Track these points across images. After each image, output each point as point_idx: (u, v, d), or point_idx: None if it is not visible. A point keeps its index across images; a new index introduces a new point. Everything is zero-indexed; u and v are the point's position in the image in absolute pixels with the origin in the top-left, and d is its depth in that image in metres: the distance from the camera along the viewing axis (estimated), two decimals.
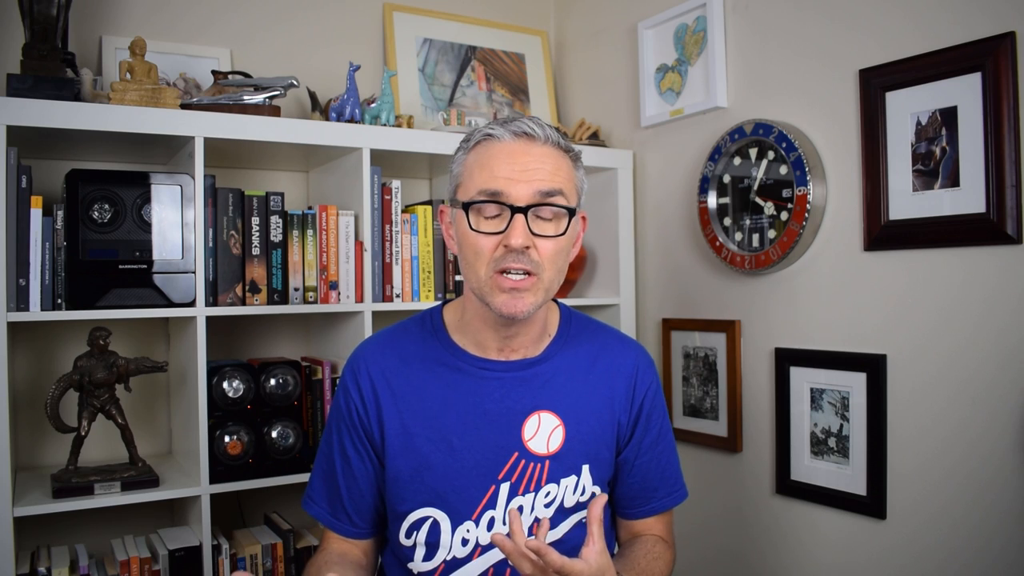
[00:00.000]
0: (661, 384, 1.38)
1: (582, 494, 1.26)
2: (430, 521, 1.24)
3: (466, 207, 1.18)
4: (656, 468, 1.32)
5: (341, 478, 1.29)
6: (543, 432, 1.25)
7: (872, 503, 1.70)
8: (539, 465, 1.25)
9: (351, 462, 1.29)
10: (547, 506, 1.25)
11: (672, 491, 1.35)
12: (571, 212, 1.19)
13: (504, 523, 1.23)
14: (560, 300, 1.40)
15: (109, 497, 1.65)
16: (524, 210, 1.15)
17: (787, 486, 1.88)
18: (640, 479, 1.32)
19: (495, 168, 1.17)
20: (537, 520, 1.24)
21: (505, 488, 1.24)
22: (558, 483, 1.25)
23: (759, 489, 1.97)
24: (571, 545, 1.26)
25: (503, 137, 1.19)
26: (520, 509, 1.24)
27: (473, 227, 1.17)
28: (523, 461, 1.24)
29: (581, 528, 1.27)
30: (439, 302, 1.39)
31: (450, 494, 1.23)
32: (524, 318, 1.18)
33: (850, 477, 1.74)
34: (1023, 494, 1.47)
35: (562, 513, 1.26)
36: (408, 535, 1.26)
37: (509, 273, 1.15)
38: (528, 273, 1.16)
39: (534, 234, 1.16)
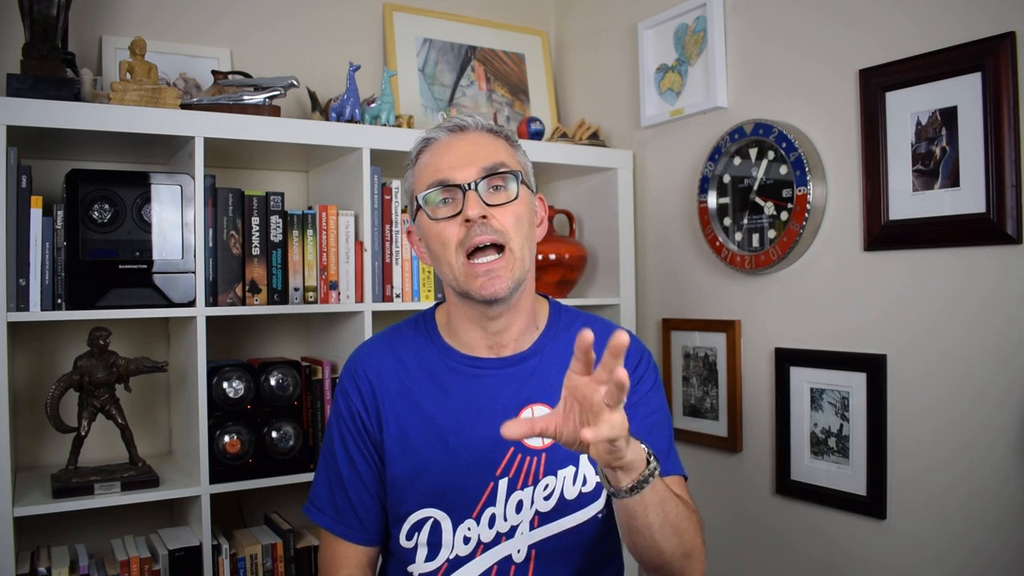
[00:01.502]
0: (657, 368, 1.37)
1: (583, 484, 1.26)
2: (431, 521, 1.24)
3: (420, 202, 1.23)
4: (641, 432, 1.21)
5: (349, 484, 1.28)
6: None
7: (872, 503, 1.70)
8: (536, 458, 1.25)
9: (358, 466, 1.28)
10: (547, 499, 1.25)
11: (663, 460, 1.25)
12: (516, 175, 1.23)
13: (505, 519, 1.24)
14: (556, 299, 1.40)
15: (109, 497, 1.65)
16: (473, 186, 1.19)
17: (787, 486, 1.88)
18: None
19: (438, 163, 1.23)
20: (538, 513, 1.24)
21: (504, 484, 1.24)
22: (556, 475, 1.25)
23: (759, 489, 1.97)
24: (576, 540, 1.26)
25: (439, 136, 1.26)
26: (520, 504, 1.24)
27: (431, 217, 1.21)
28: (520, 455, 1.25)
29: (593, 522, 1.27)
30: (434, 303, 1.40)
31: (449, 493, 1.24)
32: (505, 296, 1.20)
33: (850, 477, 1.74)
34: (1022, 493, 1.47)
35: (565, 506, 1.26)
36: (409, 536, 1.26)
37: (478, 256, 1.18)
38: (496, 247, 1.19)
39: (489, 205, 1.19)
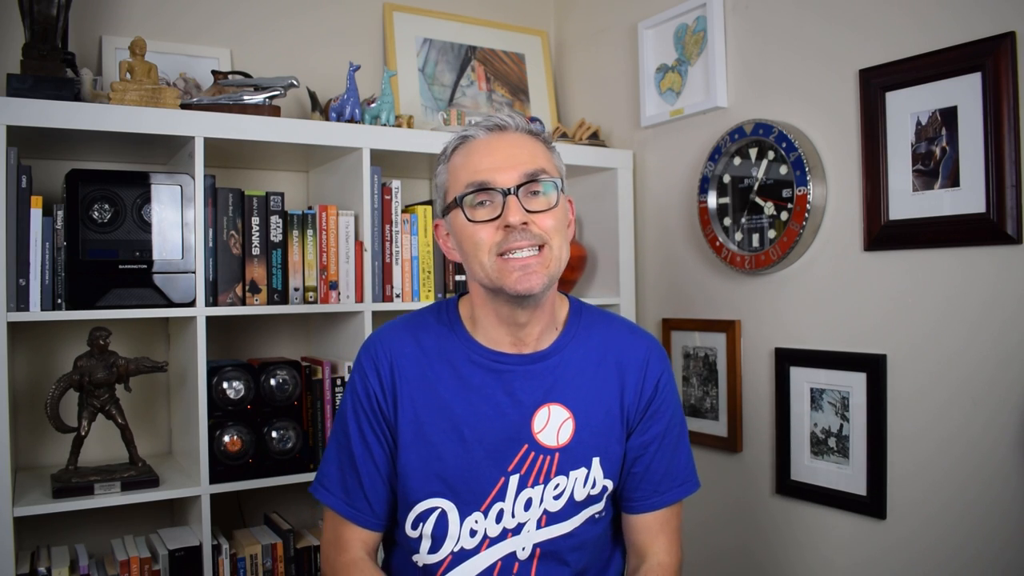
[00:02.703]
0: (673, 375, 1.38)
1: (592, 487, 1.27)
2: (438, 512, 1.24)
3: (459, 201, 1.21)
4: (662, 460, 1.31)
5: (361, 466, 1.27)
6: (553, 425, 1.26)
7: (872, 503, 1.70)
8: (549, 457, 1.25)
9: (371, 448, 1.27)
10: (556, 498, 1.25)
11: (678, 484, 1.32)
12: (556, 183, 1.22)
13: (513, 515, 1.24)
14: (577, 298, 1.40)
15: (109, 497, 1.65)
16: (514, 191, 1.18)
17: (787, 486, 1.88)
18: (644, 470, 1.30)
19: (477, 163, 1.21)
20: (547, 512, 1.25)
21: (515, 480, 1.24)
22: (567, 475, 1.26)
23: (759, 489, 1.97)
24: (581, 539, 1.27)
25: (478, 135, 1.24)
26: (529, 501, 1.24)
27: (470, 218, 1.20)
28: (532, 453, 1.25)
29: (593, 523, 1.28)
30: (453, 295, 1.39)
31: (460, 485, 1.24)
32: (540, 292, 1.19)
33: (850, 477, 1.74)
34: (1023, 494, 1.47)
35: (573, 506, 1.26)
36: (415, 526, 1.26)
37: (512, 254, 1.18)
38: (535, 247, 1.18)
39: (529, 211, 1.19)
